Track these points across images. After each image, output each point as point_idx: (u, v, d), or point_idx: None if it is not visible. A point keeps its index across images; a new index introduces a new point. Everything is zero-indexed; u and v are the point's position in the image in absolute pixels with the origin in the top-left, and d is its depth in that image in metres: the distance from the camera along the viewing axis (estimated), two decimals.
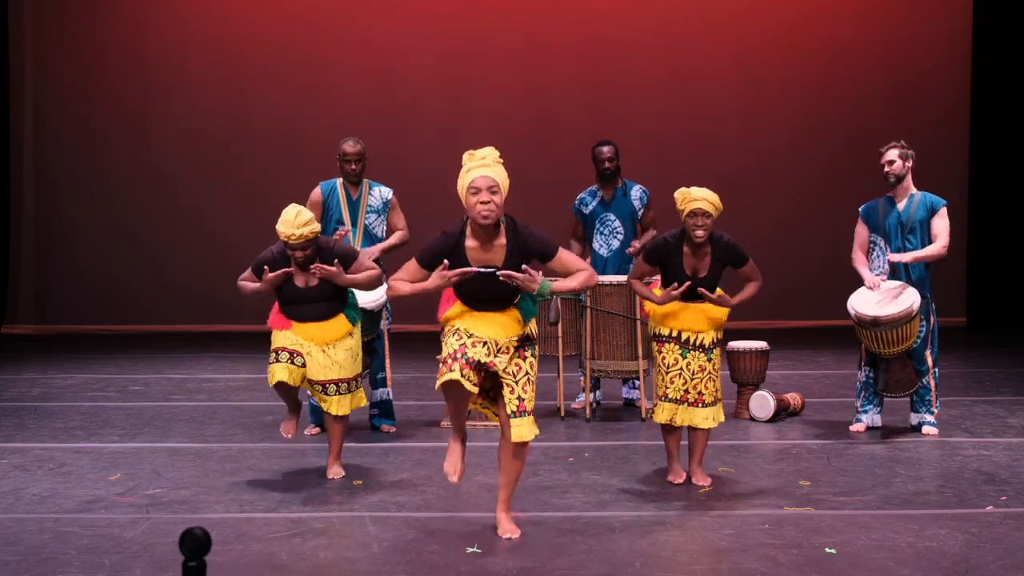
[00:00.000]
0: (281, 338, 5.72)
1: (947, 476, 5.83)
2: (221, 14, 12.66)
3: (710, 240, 5.56)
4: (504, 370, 4.65)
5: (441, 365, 4.63)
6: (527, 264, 4.63)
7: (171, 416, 7.51)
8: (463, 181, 4.57)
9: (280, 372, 5.58)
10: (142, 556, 4.47)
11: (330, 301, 5.76)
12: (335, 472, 5.81)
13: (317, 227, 5.61)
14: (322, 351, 5.71)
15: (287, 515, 5.09)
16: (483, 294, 4.64)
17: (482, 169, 4.55)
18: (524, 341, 4.71)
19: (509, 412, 4.66)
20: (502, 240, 4.64)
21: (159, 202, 12.60)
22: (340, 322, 5.78)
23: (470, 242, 4.64)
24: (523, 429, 4.66)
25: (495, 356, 4.62)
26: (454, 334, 4.65)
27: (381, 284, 5.94)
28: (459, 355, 4.54)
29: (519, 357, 4.70)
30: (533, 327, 4.77)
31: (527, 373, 4.70)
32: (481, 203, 4.51)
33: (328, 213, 6.92)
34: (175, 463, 6.10)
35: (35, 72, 12.64)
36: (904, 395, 6.79)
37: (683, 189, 5.53)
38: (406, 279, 4.74)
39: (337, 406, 5.76)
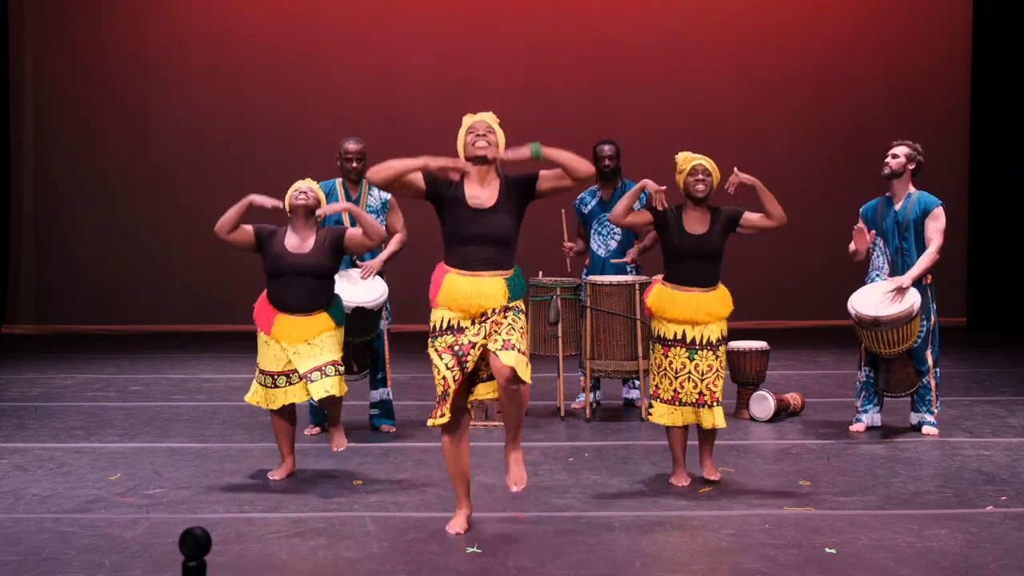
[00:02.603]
0: (266, 354, 5.69)
1: (947, 476, 5.83)
2: (221, 14, 12.67)
3: (709, 210, 5.65)
4: (488, 334, 4.68)
5: (437, 404, 4.75)
6: (522, 197, 4.78)
7: (171, 416, 7.51)
8: (462, 131, 4.82)
9: (281, 396, 5.66)
10: (142, 556, 4.47)
11: (317, 281, 5.67)
12: (338, 443, 5.75)
13: (323, 195, 5.88)
14: (307, 343, 5.66)
15: (287, 515, 5.09)
16: (478, 232, 4.70)
17: (480, 117, 4.84)
18: (505, 310, 4.73)
19: (495, 349, 4.63)
20: (496, 183, 4.80)
21: (159, 202, 12.61)
22: (322, 319, 5.69)
23: (468, 184, 4.79)
24: (510, 356, 4.60)
25: (473, 348, 4.67)
26: (436, 356, 4.71)
27: (382, 238, 5.88)
28: (446, 393, 4.67)
29: (500, 317, 4.69)
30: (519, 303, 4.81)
31: (510, 324, 4.68)
32: (478, 135, 4.76)
33: None
34: (175, 463, 6.10)
35: (35, 72, 12.64)
36: (904, 395, 6.79)
37: (684, 152, 5.70)
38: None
39: (338, 387, 5.61)
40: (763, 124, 12.74)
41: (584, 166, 4.72)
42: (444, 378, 4.71)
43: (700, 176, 5.60)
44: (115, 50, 12.63)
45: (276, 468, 5.85)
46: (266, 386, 5.71)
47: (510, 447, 4.83)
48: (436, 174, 4.75)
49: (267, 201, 5.66)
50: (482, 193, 4.76)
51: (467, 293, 4.67)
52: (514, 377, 4.61)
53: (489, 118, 4.85)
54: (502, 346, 4.64)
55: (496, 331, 4.67)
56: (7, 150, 12.38)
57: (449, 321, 4.72)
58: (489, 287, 4.69)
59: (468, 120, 4.85)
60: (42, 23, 12.62)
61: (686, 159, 5.68)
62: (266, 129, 12.54)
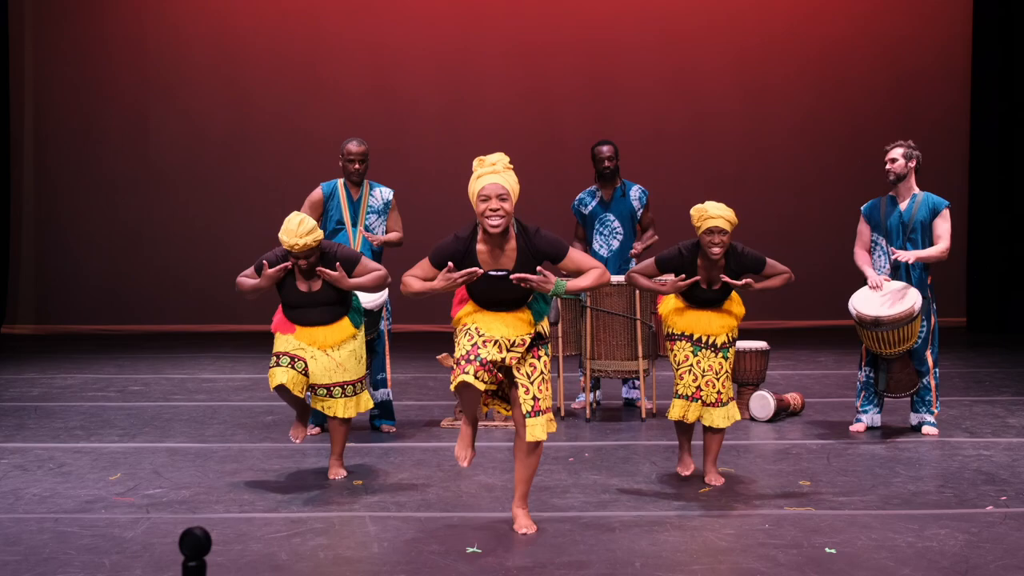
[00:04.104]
0: (283, 343, 5.68)
1: (947, 476, 5.83)
2: (221, 14, 12.67)
3: (725, 257, 5.58)
4: (518, 369, 4.68)
5: (455, 366, 4.64)
6: (539, 266, 4.66)
7: (171, 416, 7.52)
8: (474, 187, 4.60)
9: (280, 375, 5.55)
10: (142, 556, 4.47)
11: (333, 305, 5.72)
12: (336, 472, 5.79)
13: (320, 235, 5.57)
14: (325, 354, 5.67)
15: (287, 515, 5.09)
16: (495, 296, 4.68)
17: (492, 176, 4.58)
18: (536, 340, 4.74)
19: (524, 412, 4.68)
20: (512, 244, 4.67)
21: (159, 202, 12.61)
22: (344, 326, 5.73)
23: (481, 246, 4.67)
24: (537, 429, 4.67)
25: (507, 351, 4.63)
26: (466, 334, 4.68)
27: (386, 284, 5.90)
28: (472, 356, 4.56)
29: (533, 357, 4.72)
30: (545, 326, 4.80)
31: (541, 372, 4.72)
32: (491, 210, 4.55)
33: (329, 213, 6.92)
34: (175, 463, 6.10)
35: (35, 72, 12.65)
36: (905, 395, 6.79)
37: (699, 206, 5.52)
38: (419, 276, 4.76)
39: (343, 409, 5.70)
40: (763, 124, 12.74)
41: (605, 280, 4.76)
42: (469, 354, 4.58)
43: (716, 239, 5.46)
44: (115, 50, 12.63)
45: (293, 427, 5.79)
46: (271, 365, 5.63)
47: (518, 503, 4.82)
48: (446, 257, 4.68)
49: (279, 269, 5.61)
50: (498, 259, 4.66)
51: (489, 324, 4.66)
52: (536, 443, 4.68)
53: (501, 170, 4.59)
54: (531, 409, 4.66)
55: (528, 375, 4.67)
56: (7, 150, 12.38)
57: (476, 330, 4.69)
58: (513, 320, 4.69)
59: (479, 171, 4.60)
60: (42, 23, 12.62)
61: (701, 217, 5.48)
62: (266, 129, 12.54)
